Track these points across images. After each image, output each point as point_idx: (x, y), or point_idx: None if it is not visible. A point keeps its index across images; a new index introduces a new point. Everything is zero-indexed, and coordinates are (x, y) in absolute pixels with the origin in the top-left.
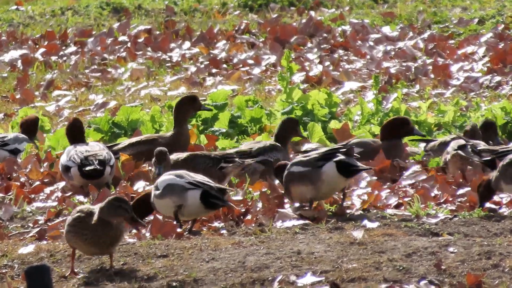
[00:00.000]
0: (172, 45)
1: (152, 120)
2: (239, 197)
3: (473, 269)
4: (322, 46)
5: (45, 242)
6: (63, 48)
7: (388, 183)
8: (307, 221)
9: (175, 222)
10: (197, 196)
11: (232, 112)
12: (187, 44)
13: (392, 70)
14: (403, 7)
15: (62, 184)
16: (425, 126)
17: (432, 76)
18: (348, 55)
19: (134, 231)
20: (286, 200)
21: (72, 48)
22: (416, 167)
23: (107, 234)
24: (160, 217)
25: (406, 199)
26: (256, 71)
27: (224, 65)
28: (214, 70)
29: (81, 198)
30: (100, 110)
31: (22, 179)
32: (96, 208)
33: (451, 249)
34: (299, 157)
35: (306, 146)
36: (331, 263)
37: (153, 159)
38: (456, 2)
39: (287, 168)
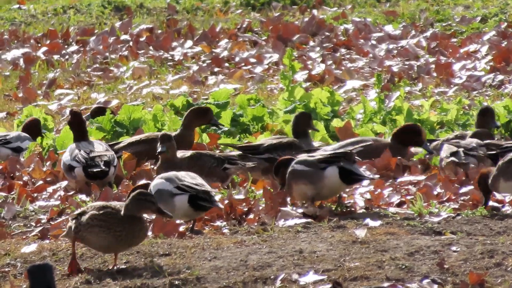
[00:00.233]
0: (174, 43)
1: (154, 119)
2: (241, 196)
3: (476, 268)
4: (324, 45)
5: (47, 241)
6: (65, 46)
7: (390, 181)
8: (309, 220)
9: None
10: (185, 201)
11: (234, 111)
12: (189, 42)
13: (395, 69)
14: (406, 6)
15: (64, 183)
16: (427, 125)
17: (434, 74)
18: (351, 54)
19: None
20: (289, 199)
21: (74, 47)
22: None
23: (141, 230)
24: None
25: (408, 198)
26: (258, 69)
27: (226, 64)
28: (216, 69)
29: (83, 197)
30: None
31: (25, 178)
32: (116, 204)
33: (453, 248)
34: (304, 156)
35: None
36: (333, 261)
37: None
38: (459, 1)
39: (291, 165)
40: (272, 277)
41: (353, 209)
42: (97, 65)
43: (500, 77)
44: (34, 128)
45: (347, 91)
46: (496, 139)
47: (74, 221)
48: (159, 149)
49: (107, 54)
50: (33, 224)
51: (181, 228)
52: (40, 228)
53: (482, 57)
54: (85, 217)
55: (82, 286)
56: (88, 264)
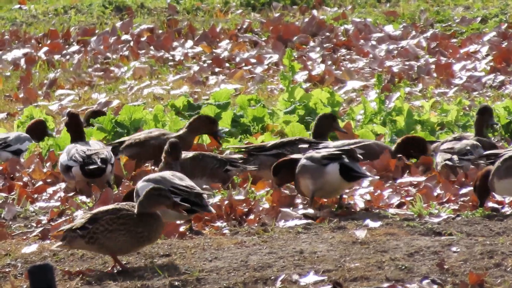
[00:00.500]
0: (175, 44)
1: (155, 119)
2: (242, 197)
3: (476, 268)
4: (324, 45)
5: (48, 241)
6: (66, 47)
7: (390, 182)
8: (309, 221)
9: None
10: None
11: (235, 111)
12: (189, 43)
13: (395, 69)
14: (406, 6)
15: (65, 184)
16: (428, 126)
17: (435, 75)
18: (351, 54)
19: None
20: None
21: (75, 47)
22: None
23: (158, 226)
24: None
25: (408, 199)
26: (259, 70)
27: (227, 64)
28: (216, 69)
29: (83, 198)
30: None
31: (25, 179)
32: (126, 205)
33: (453, 248)
34: (313, 152)
35: None
36: (333, 262)
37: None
38: (459, 1)
39: (301, 159)
40: (272, 277)
41: (353, 210)
42: (98, 65)
43: (501, 77)
44: (39, 130)
45: (347, 92)
46: (495, 140)
47: (81, 231)
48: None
49: (108, 54)
50: (34, 224)
51: (181, 229)
52: (41, 228)
53: (482, 58)
54: (99, 223)
55: (82, 287)
56: (89, 265)
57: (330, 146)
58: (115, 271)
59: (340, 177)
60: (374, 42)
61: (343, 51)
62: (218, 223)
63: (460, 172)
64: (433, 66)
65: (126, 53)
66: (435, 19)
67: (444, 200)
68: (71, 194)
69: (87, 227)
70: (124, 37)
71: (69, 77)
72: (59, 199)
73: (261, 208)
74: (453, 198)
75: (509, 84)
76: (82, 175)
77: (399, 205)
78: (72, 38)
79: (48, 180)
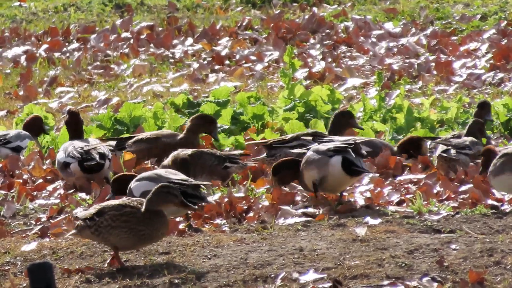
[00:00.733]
0: (175, 41)
1: (155, 117)
2: (241, 194)
3: (475, 266)
4: (324, 42)
5: (47, 239)
6: (66, 44)
7: (390, 179)
8: (309, 218)
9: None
10: None
11: (235, 109)
12: (189, 40)
13: (395, 67)
14: (406, 3)
15: (64, 181)
16: (427, 123)
17: (434, 72)
18: (351, 51)
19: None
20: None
21: (75, 45)
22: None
23: (162, 225)
24: None
25: (408, 196)
26: (259, 67)
27: (227, 62)
28: (216, 67)
29: (83, 195)
30: (103, 107)
31: (25, 176)
32: (134, 201)
33: (453, 246)
34: (319, 145)
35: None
36: (333, 260)
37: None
38: None
39: (308, 152)
40: (272, 275)
41: (353, 207)
42: (98, 63)
43: (500, 75)
44: (36, 126)
45: (348, 89)
46: (494, 137)
47: (89, 221)
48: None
49: (108, 51)
50: (33, 222)
51: (181, 226)
52: (40, 226)
53: (482, 55)
54: (104, 217)
55: (82, 285)
56: (88, 263)
57: (335, 140)
58: (114, 269)
59: (342, 170)
60: (374, 40)
61: (343, 48)
62: (218, 221)
63: (458, 168)
64: (433, 64)
65: (126, 50)
66: (435, 17)
67: (444, 198)
68: (71, 191)
69: (94, 218)
70: (124, 34)
71: (69, 75)
72: (59, 196)
73: (260, 206)
74: (452, 196)
75: (509, 82)
76: (81, 171)
77: (399, 203)
78: (72, 36)
79: (48, 178)
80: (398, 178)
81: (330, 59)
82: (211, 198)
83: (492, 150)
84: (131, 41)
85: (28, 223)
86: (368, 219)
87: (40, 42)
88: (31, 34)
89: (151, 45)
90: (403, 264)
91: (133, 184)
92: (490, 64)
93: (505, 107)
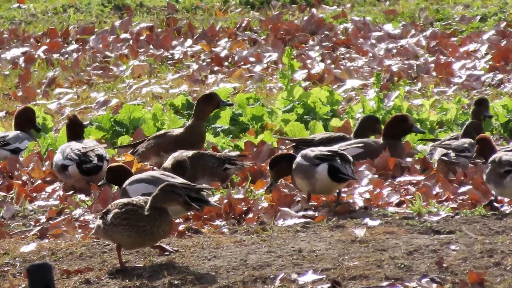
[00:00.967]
0: (174, 42)
1: (154, 118)
2: (241, 196)
3: (475, 267)
4: (323, 44)
5: (46, 240)
6: (65, 45)
7: (389, 180)
8: (308, 220)
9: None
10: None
11: (234, 110)
12: (189, 41)
13: (394, 68)
14: (405, 5)
15: (63, 183)
16: (427, 124)
17: (434, 74)
18: (350, 53)
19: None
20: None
21: (74, 46)
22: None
23: (165, 223)
24: None
25: (407, 197)
26: (258, 68)
27: (226, 63)
28: (216, 68)
29: (82, 196)
30: (102, 108)
31: (24, 178)
32: (139, 199)
33: (452, 247)
34: (308, 150)
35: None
36: (332, 261)
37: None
38: (458, 0)
39: (297, 157)
40: (271, 276)
41: (352, 208)
42: (97, 64)
43: (500, 76)
44: (26, 118)
45: (347, 91)
46: (494, 139)
47: (101, 220)
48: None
49: (107, 53)
50: (32, 223)
51: (181, 227)
52: (39, 227)
53: (482, 56)
54: (109, 216)
55: (81, 286)
56: (88, 264)
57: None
58: (114, 270)
59: (328, 178)
60: (373, 41)
61: (343, 49)
62: (217, 222)
63: (458, 171)
64: (432, 65)
65: (125, 51)
66: (435, 18)
67: (443, 199)
68: (70, 192)
69: (104, 217)
70: (123, 35)
71: (68, 76)
72: (58, 197)
73: (260, 207)
74: (452, 197)
75: (508, 83)
76: (79, 174)
77: (399, 204)
78: (71, 37)
79: (47, 179)
80: (398, 179)
81: (329, 61)
82: (211, 200)
83: (487, 139)
84: (130, 42)
85: (27, 224)
86: (367, 220)
87: (39, 44)
88: (30, 36)
89: (150, 46)
90: (403, 265)
91: (130, 185)
92: (490, 65)
93: (504, 108)
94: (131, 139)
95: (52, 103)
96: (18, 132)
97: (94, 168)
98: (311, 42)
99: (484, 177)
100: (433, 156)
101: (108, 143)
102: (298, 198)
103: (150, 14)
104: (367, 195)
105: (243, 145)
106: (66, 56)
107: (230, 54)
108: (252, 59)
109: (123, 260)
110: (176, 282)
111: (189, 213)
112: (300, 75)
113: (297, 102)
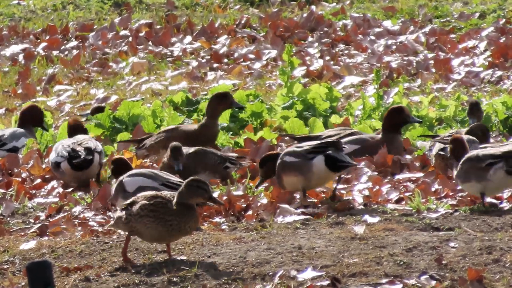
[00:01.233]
0: (173, 39)
1: (153, 115)
2: (240, 192)
3: (474, 264)
4: (323, 40)
5: (46, 238)
6: (65, 42)
7: (389, 177)
8: (308, 216)
9: None
10: None
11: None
12: (188, 38)
13: (394, 65)
14: (404, 1)
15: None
16: (426, 121)
17: (433, 70)
18: (349, 49)
19: None
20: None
21: (74, 43)
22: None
23: (192, 219)
24: None
25: (407, 194)
26: (257, 65)
27: (225, 60)
28: (215, 65)
29: (82, 194)
30: (101, 105)
31: (23, 175)
32: (168, 194)
33: (452, 244)
34: (293, 147)
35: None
36: (332, 258)
37: (168, 154)
38: None
39: (280, 157)
40: (270, 273)
41: (351, 205)
42: (96, 61)
43: (499, 73)
44: (33, 116)
45: (346, 87)
46: (494, 136)
47: (124, 211)
48: (176, 168)
49: (107, 49)
50: (32, 221)
51: None
52: (39, 225)
53: (481, 53)
54: (135, 207)
55: (81, 284)
56: (87, 261)
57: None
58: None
59: (326, 169)
60: (372, 37)
61: (342, 46)
62: (217, 219)
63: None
64: (431, 62)
65: (125, 48)
66: (434, 15)
67: (442, 195)
68: (69, 190)
69: (128, 208)
70: (123, 32)
71: (67, 73)
72: (57, 195)
73: (259, 204)
74: (451, 194)
75: (507, 79)
76: (70, 169)
77: (398, 201)
78: (70, 34)
79: (47, 176)
80: (397, 176)
81: (328, 57)
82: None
83: (461, 139)
84: (130, 39)
85: (27, 222)
86: (366, 217)
87: (39, 40)
88: (30, 32)
89: (150, 43)
90: (402, 262)
91: (126, 178)
92: (489, 62)
93: (503, 105)
94: (131, 136)
95: (52, 100)
96: (15, 129)
97: (84, 162)
98: (310, 39)
99: (456, 174)
100: (432, 152)
101: (107, 140)
102: (298, 195)
103: (149, 11)
104: (366, 192)
105: (242, 141)
106: (66, 53)
107: (230, 51)
108: (251, 56)
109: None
110: (175, 279)
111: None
112: (299, 71)
113: (296, 99)
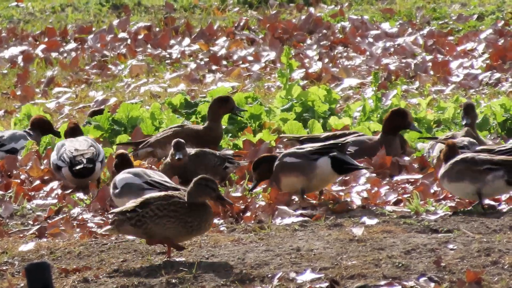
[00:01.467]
0: (172, 41)
1: (152, 117)
2: (238, 194)
3: (473, 266)
4: (321, 43)
5: (45, 239)
6: (63, 44)
7: (387, 179)
8: (306, 218)
9: None
10: None
11: None
12: (186, 40)
13: (392, 67)
14: (402, 3)
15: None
16: (424, 123)
17: (431, 72)
18: (348, 52)
19: None
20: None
21: (72, 45)
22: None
23: (211, 215)
24: None
25: (405, 196)
26: (256, 67)
27: (224, 62)
28: (214, 67)
29: (81, 195)
30: (100, 107)
31: (22, 177)
32: (177, 193)
33: (450, 246)
34: (293, 149)
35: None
36: (330, 260)
37: (171, 152)
38: None
39: (278, 158)
40: (269, 275)
41: (350, 207)
42: (95, 63)
43: (497, 75)
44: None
45: (344, 89)
46: (492, 138)
47: (130, 213)
48: (176, 156)
49: (105, 52)
50: (31, 222)
51: None
52: (38, 226)
53: (479, 55)
54: (150, 208)
55: (79, 285)
56: (86, 263)
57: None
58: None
59: (332, 170)
60: (371, 40)
61: (340, 48)
62: (215, 220)
63: None
64: (429, 64)
65: (123, 51)
66: (432, 17)
67: (441, 197)
68: (68, 191)
69: (137, 210)
70: (121, 35)
71: (66, 75)
72: (56, 196)
73: (257, 206)
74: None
75: (505, 82)
76: (71, 176)
77: (396, 203)
78: (69, 36)
79: (46, 178)
80: (395, 178)
81: (326, 60)
82: None
83: (455, 145)
84: (128, 41)
85: (26, 223)
86: (365, 219)
87: (37, 42)
88: (28, 34)
89: (148, 45)
90: (400, 264)
91: (118, 176)
92: (487, 64)
93: (502, 107)
94: (129, 138)
95: (51, 102)
96: (15, 131)
97: (84, 170)
98: (308, 41)
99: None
100: (432, 153)
101: (106, 142)
102: (296, 197)
103: (148, 13)
104: (365, 194)
105: (241, 143)
106: (65, 55)
107: (228, 53)
108: (250, 58)
109: (122, 259)
110: (174, 281)
111: None
112: (298, 74)
113: (295, 101)
